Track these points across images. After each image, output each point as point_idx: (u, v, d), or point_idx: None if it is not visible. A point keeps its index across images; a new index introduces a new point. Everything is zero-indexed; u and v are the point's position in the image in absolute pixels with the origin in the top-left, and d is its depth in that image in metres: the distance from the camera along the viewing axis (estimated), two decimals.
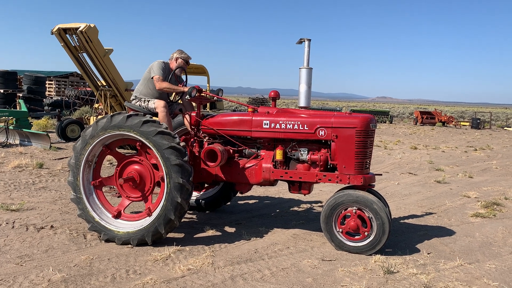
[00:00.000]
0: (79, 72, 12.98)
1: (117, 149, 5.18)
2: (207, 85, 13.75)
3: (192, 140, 5.35)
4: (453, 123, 35.86)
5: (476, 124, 34.39)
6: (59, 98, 24.31)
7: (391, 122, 37.59)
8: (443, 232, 5.63)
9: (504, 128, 37.13)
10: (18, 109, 14.12)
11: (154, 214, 4.65)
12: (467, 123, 37.46)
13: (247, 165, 5.11)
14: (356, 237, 4.68)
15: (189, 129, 5.41)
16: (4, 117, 11.99)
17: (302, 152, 4.97)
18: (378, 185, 8.44)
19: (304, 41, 5.23)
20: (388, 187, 8.71)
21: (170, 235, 4.90)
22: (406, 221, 6.15)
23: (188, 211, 6.02)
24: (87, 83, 23.60)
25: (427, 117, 36.72)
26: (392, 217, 5.94)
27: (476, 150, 17.06)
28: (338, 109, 37.52)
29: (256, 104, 29.43)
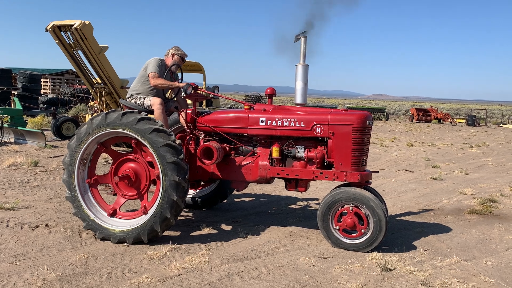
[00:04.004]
0: (74, 69, 12.92)
1: (112, 147, 5.14)
2: (203, 82, 13.70)
3: (188, 137, 5.31)
4: (449, 120, 35.98)
5: (472, 121, 34.52)
6: (54, 96, 24.18)
7: (387, 119, 37.67)
8: (440, 229, 5.63)
9: (500, 125, 37.31)
10: (13, 107, 14.02)
11: (150, 212, 4.62)
12: (463, 120, 37.60)
13: (244, 162, 5.08)
14: (353, 234, 4.67)
15: (185, 127, 5.38)
16: None
17: (298, 150, 4.95)
18: (374, 182, 8.43)
19: (300, 37, 5.20)
20: (385, 184, 8.71)
21: (166, 233, 4.87)
22: (402, 218, 6.15)
23: (184, 209, 5.98)
24: (82, 81, 23.51)
25: (423, 114, 36.82)
26: (389, 214, 5.93)
27: (472, 147, 17.12)
28: (334, 106, 37.55)
29: (252, 102, 29.39)
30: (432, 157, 13.36)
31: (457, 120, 37.76)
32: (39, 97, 23.35)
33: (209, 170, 5.18)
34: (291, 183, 5.08)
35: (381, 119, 36.91)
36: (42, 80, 25.78)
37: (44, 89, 26.91)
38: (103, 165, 8.99)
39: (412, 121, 36.49)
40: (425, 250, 4.75)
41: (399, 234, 5.32)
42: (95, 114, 5.16)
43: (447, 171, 10.55)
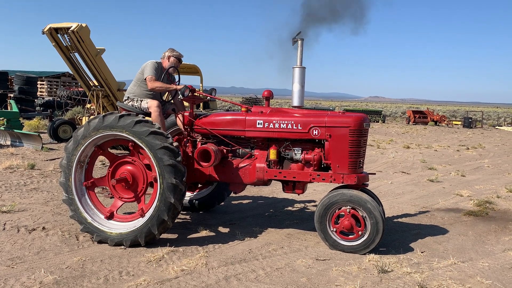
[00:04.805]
0: (71, 72, 12.91)
1: (109, 150, 5.14)
2: (200, 84, 13.72)
3: (185, 140, 5.32)
4: (445, 122, 36.09)
5: (468, 123, 34.63)
6: (51, 99, 24.13)
7: (383, 122, 37.75)
8: (437, 230, 5.65)
9: (496, 127, 37.44)
10: (9, 110, 13.98)
11: (147, 215, 4.62)
12: (459, 122, 37.72)
13: (241, 165, 5.08)
14: (350, 236, 4.67)
15: (182, 129, 5.38)
16: None
17: (296, 152, 4.96)
18: (371, 184, 8.45)
19: (297, 40, 5.22)
20: (381, 186, 8.73)
21: (164, 236, 4.87)
22: (399, 220, 6.17)
23: (181, 212, 5.98)
24: (79, 83, 23.41)
25: (420, 116, 36.93)
26: (386, 216, 5.93)
27: (468, 149, 17.18)
28: (331, 108, 37.62)
29: (249, 104, 29.43)
30: (429, 159, 13.40)
31: (454, 122, 37.88)
32: (36, 100, 23.31)
33: (207, 173, 5.19)
34: (288, 185, 5.09)
35: (377, 121, 36.99)
36: (38, 82, 25.72)
37: (40, 91, 26.86)
38: (99, 167, 8.97)
39: (408, 123, 36.60)
40: (422, 252, 4.76)
41: (396, 236, 5.33)
42: (92, 117, 5.16)
43: (444, 173, 10.59)
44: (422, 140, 20.87)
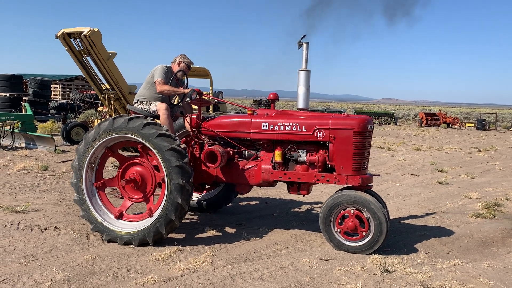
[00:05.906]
0: (83, 75, 13.17)
1: (120, 151, 5.27)
2: (210, 87, 13.86)
3: (192, 142, 5.43)
4: (458, 124, 35.77)
5: (481, 125, 34.26)
6: (64, 102, 24.52)
7: (395, 124, 37.54)
8: (442, 232, 5.67)
9: (510, 129, 36.96)
10: (24, 113, 14.28)
11: (155, 215, 4.74)
12: (472, 124, 37.34)
13: (247, 166, 5.18)
14: (354, 237, 4.73)
15: (190, 131, 5.50)
16: (10, 121, 12.14)
17: (300, 153, 5.04)
18: (379, 186, 8.48)
19: (302, 44, 5.31)
20: (390, 188, 8.74)
21: (171, 235, 4.98)
22: (405, 221, 6.20)
23: (189, 212, 6.10)
24: (91, 87, 23.76)
25: (432, 119, 36.68)
26: (392, 217, 5.97)
27: (480, 151, 17.04)
28: (342, 110, 37.55)
29: (260, 106, 29.52)
30: (439, 161, 13.34)
31: (466, 124, 37.51)
32: (49, 103, 23.71)
33: (213, 174, 5.29)
34: (293, 186, 5.17)
35: (389, 124, 36.80)
36: (52, 86, 26.16)
37: (54, 94, 27.29)
38: (111, 169, 9.14)
39: (420, 125, 36.36)
40: (426, 253, 4.80)
41: (401, 237, 5.37)
42: (102, 119, 5.31)
43: (453, 175, 10.55)
44: (433, 142, 20.74)
